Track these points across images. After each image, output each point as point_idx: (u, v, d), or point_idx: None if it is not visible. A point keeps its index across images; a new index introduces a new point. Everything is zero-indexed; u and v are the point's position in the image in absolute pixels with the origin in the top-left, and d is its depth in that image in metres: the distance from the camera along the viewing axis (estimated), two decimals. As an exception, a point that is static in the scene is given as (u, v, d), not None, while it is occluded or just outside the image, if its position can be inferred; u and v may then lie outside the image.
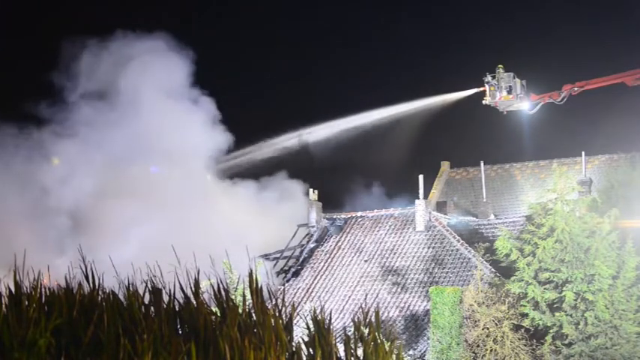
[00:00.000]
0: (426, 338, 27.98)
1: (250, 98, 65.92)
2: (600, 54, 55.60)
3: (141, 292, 6.19)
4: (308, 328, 6.19)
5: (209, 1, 68.80)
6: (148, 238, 28.94)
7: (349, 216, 36.22)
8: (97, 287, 6.23)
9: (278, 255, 35.19)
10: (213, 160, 36.60)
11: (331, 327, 6.28)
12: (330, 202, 38.77)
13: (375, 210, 36.34)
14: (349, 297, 31.70)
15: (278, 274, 34.34)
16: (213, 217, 33.09)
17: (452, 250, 32.08)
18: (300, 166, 39.03)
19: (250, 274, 6.37)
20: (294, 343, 6.20)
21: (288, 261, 35.06)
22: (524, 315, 25.39)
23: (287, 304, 6.37)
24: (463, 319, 26.28)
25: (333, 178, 40.38)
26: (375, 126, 37.27)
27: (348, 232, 35.24)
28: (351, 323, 6.51)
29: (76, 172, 34.47)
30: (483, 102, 33.79)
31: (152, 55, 35.72)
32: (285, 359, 6.01)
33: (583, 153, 37.90)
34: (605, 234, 25.37)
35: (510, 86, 33.25)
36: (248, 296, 6.34)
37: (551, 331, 25.04)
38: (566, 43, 61.86)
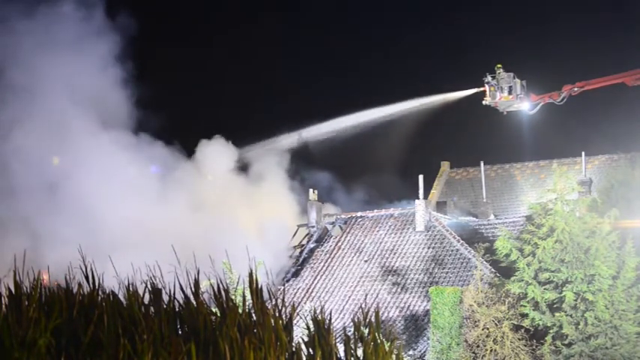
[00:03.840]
0: (425, 338, 27.99)
1: (250, 96, 65.91)
2: (600, 54, 55.62)
3: (141, 292, 6.19)
4: (308, 328, 6.19)
5: None
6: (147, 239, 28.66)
7: (349, 216, 36.24)
8: (97, 287, 6.23)
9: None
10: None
11: (331, 327, 6.28)
12: (330, 201, 38.83)
13: (375, 210, 36.36)
14: (349, 297, 31.71)
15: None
16: (214, 217, 32.96)
17: (452, 250, 32.09)
18: (300, 165, 39.03)
19: (250, 274, 6.37)
20: (294, 343, 6.20)
21: (288, 261, 35.08)
22: (524, 315, 25.40)
23: (287, 304, 6.37)
24: (463, 319, 26.29)
25: (333, 178, 40.38)
26: (375, 125, 37.25)
27: (348, 232, 35.25)
28: (351, 323, 6.51)
29: None
30: (483, 102, 33.82)
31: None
32: (285, 359, 6.01)
33: (583, 153, 37.92)
34: (605, 234, 25.37)
35: (510, 86, 33.28)
36: (248, 296, 6.34)
37: (551, 331, 25.04)
38: (566, 44, 61.85)
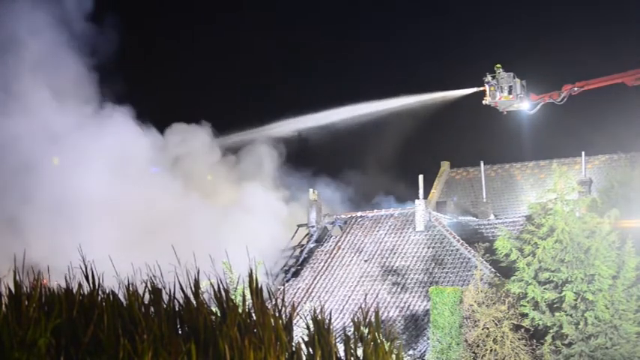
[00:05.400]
0: (425, 338, 27.99)
1: (245, 87, 65.79)
2: (600, 54, 55.66)
3: (141, 292, 6.20)
4: (308, 328, 6.19)
5: None
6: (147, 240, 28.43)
7: (349, 216, 36.24)
8: (97, 287, 6.24)
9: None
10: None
11: (331, 327, 6.28)
12: (330, 201, 38.81)
13: (375, 210, 36.37)
14: (349, 297, 31.71)
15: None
16: (213, 217, 32.88)
17: (452, 250, 32.09)
18: (298, 164, 38.99)
19: (250, 274, 6.37)
20: (294, 343, 6.20)
21: (288, 261, 35.07)
22: (524, 315, 25.40)
23: (287, 304, 6.37)
24: (463, 319, 26.29)
25: (332, 177, 40.41)
26: (375, 124, 37.21)
27: (348, 232, 35.25)
28: (351, 323, 6.52)
29: None
30: (483, 102, 33.86)
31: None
32: (284, 359, 6.01)
33: (583, 153, 37.98)
34: (605, 234, 25.37)
35: (510, 86, 33.32)
36: (248, 296, 6.34)
37: (551, 331, 25.05)
38: (566, 43, 61.91)
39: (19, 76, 30.83)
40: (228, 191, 35.28)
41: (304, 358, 6.11)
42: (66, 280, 6.20)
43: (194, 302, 6.12)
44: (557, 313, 25.07)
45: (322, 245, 35.12)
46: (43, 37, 31.25)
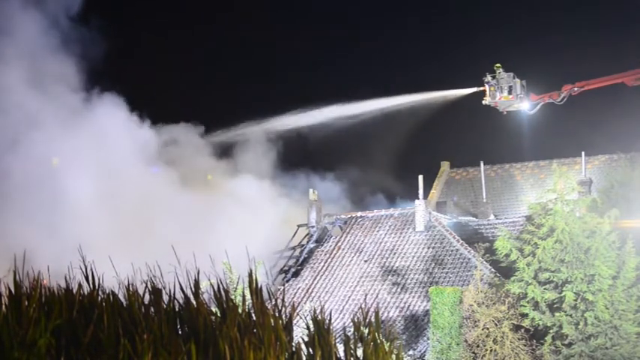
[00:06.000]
0: (425, 338, 27.99)
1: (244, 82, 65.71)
2: (600, 54, 55.62)
3: (141, 292, 6.19)
4: (308, 328, 6.19)
5: None
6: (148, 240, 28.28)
7: (349, 216, 36.23)
8: (96, 287, 6.24)
9: (278, 255, 35.10)
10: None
11: (331, 327, 6.28)
12: (330, 201, 38.80)
13: (375, 210, 36.36)
14: (349, 297, 31.70)
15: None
16: (214, 217, 32.85)
17: (452, 250, 32.08)
18: (297, 162, 38.95)
19: (250, 274, 6.37)
20: (293, 343, 6.20)
21: (288, 261, 35.05)
22: (524, 315, 25.40)
23: (287, 304, 6.37)
24: (463, 319, 26.28)
25: (331, 177, 40.41)
26: (375, 123, 37.18)
27: (348, 232, 35.24)
28: (351, 323, 6.52)
29: None
30: (483, 102, 33.85)
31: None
32: (284, 359, 6.01)
33: (583, 153, 37.97)
34: (605, 234, 25.36)
35: (510, 86, 33.32)
36: (248, 296, 6.34)
37: (551, 331, 25.04)
38: (566, 43, 61.90)
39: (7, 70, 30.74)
40: (224, 187, 35.24)
41: (304, 358, 6.11)
42: (66, 280, 6.20)
43: (194, 302, 6.12)
44: (557, 314, 25.07)
45: (322, 245, 35.10)
46: (35, 30, 31.22)
